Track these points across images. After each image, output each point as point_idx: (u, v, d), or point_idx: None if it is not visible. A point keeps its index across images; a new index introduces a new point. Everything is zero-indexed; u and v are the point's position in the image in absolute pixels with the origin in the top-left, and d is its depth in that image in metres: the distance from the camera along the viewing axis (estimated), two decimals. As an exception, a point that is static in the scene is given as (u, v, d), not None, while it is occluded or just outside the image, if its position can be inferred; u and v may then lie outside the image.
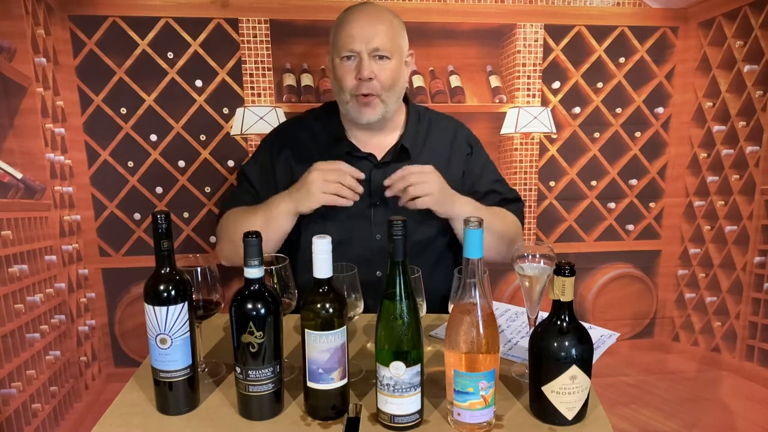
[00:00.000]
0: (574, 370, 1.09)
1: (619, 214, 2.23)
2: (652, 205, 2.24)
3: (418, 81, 2.08)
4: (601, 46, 2.09)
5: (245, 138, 2.05)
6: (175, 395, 1.16)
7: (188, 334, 1.13)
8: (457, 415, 1.09)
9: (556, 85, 2.11)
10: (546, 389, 1.10)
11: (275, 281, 1.27)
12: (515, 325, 1.49)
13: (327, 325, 1.09)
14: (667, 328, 2.33)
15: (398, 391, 1.07)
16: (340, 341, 1.10)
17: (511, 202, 1.72)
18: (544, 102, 2.12)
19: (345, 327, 1.11)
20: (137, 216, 2.07)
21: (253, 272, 1.10)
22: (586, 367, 1.10)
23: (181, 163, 2.05)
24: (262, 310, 1.10)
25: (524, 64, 2.08)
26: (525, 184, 2.16)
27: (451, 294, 1.29)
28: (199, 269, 1.25)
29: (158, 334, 1.11)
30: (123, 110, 1.99)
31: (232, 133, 2.05)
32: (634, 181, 2.21)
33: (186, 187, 2.07)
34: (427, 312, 1.34)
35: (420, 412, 1.11)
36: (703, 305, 2.30)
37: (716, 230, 2.24)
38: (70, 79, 1.95)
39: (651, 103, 2.15)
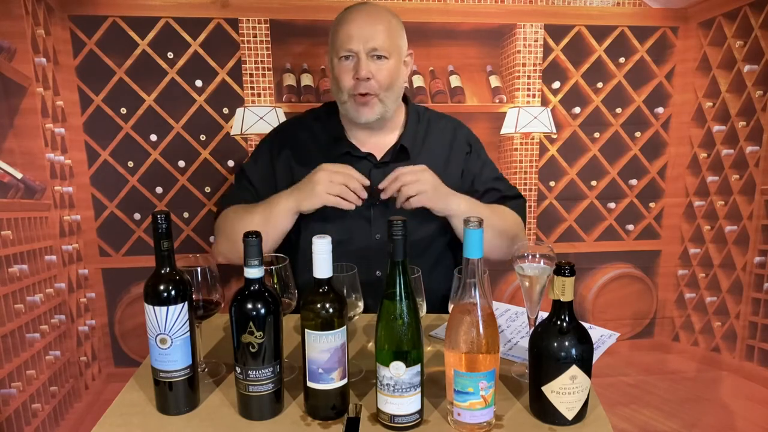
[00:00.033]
0: (574, 370, 1.09)
1: (619, 214, 2.23)
2: (652, 205, 2.24)
3: (418, 81, 2.08)
4: (601, 46, 2.09)
5: (245, 138, 2.05)
6: (175, 395, 1.16)
7: (188, 334, 1.14)
8: (457, 415, 1.09)
9: (556, 85, 2.11)
10: (546, 389, 1.10)
11: (275, 281, 1.27)
12: (515, 325, 1.49)
13: (327, 325, 1.09)
14: (667, 328, 2.33)
15: (398, 391, 1.07)
16: (340, 341, 1.10)
17: (512, 199, 1.71)
18: (544, 102, 2.12)
19: (345, 327, 1.11)
20: (137, 216, 2.07)
21: (253, 272, 1.10)
22: (586, 367, 1.10)
23: (181, 163, 2.05)
24: (262, 310, 1.10)
25: (524, 64, 2.08)
26: (525, 184, 2.16)
27: (451, 294, 1.29)
28: (199, 269, 1.25)
29: (158, 334, 1.11)
30: (123, 110, 1.99)
31: (232, 133, 2.05)
32: (634, 181, 2.21)
33: (186, 187, 2.07)
34: (427, 312, 1.34)
35: (420, 412, 1.11)
36: (703, 305, 2.30)
37: (716, 230, 2.24)
38: (70, 79, 1.95)
39: (651, 103, 2.15)
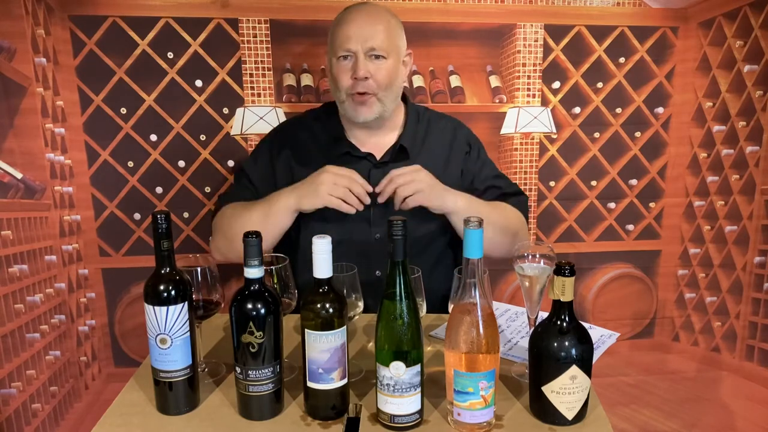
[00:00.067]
0: (574, 370, 1.09)
1: (619, 214, 2.23)
2: (652, 205, 2.24)
3: (418, 81, 2.08)
4: (601, 46, 2.09)
5: (245, 138, 2.05)
6: (175, 395, 1.16)
7: (188, 334, 1.14)
8: (457, 415, 1.09)
9: (556, 85, 2.11)
10: (546, 389, 1.10)
11: (275, 281, 1.27)
12: (515, 325, 1.49)
13: (327, 325, 1.09)
14: (667, 328, 2.33)
15: (398, 391, 1.07)
16: (340, 341, 1.10)
17: (512, 195, 1.70)
18: (544, 102, 2.12)
19: (345, 327, 1.11)
20: (137, 216, 2.07)
21: (253, 272, 1.10)
22: (586, 367, 1.10)
23: (181, 163, 2.05)
24: (262, 310, 1.10)
25: (524, 64, 2.08)
26: (525, 184, 2.16)
27: (451, 294, 1.29)
28: (199, 269, 1.25)
29: (158, 334, 1.11)
30: (123, 110, 1.99)
31: (232, 133, 2.05)
32: (634, 181, 2.21)
33: (186, 187, 2.07)
34: (427, 312, 1.34)
35: (420, 412, 1.11)
36: (703, 305, 2.30)
37: (716, 230, 2.24)
38: (70, 79, 1.95)
39: (651, 103, 2.15)
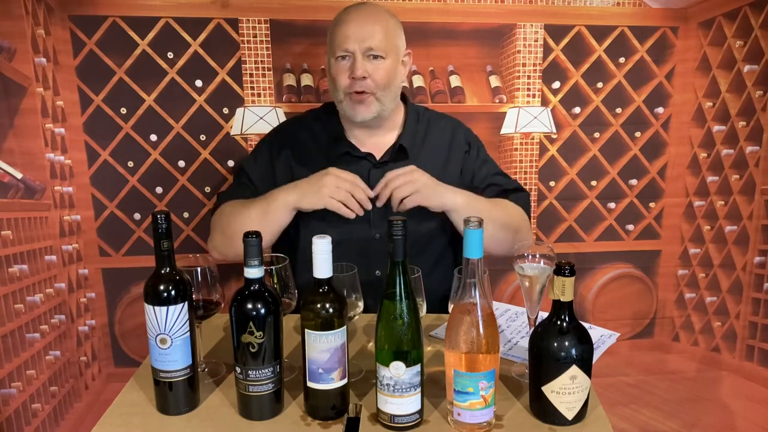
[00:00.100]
0: (574, 370, 1.09)
1: (619, 214, 2.23)
2: (652, 205, 2.24)
3: (418, 81, 2.08)
4: (601, 46, 2.09)
5: (245, 138, 2.05)
6: (175, 395, 1.16)
7: (188, 334, 1.14)
8: (457, 415, 1.09)
9: (556, 85, 2.11)
10: (546, 389, 1.10)
11: (275, 281, 1.27)
12: (515, 325, 1.49)
13: (327, 325, 1.09)
14: (667, 328, 2.33)
15: (398, 391, 1.07)
16: (340, 341, 1.10)
17: (513, 192, 1.70)
18: (544, 102, 2.12)
19: (345, 327, 1.11)
20: (137, 216, 2.07)
21: (253, 272, 1.10)
22: (586, 367, 1.10)
23: (181, 163, 2.05)
24: (262, 310, 1.10)
25: (524, 64, 2.08)
26: (525, 184, 2.15)
27: (451, 294, 1.29)
28: (199, 269, 1.25)
29: (158, 334, 1.11)
30: (123, 110, 1.99)
31: (232, 133, 2.05)
32: (634, 181, 2.21)
33: (186, 187, 2.07)
34: (427, 312, 1.34)
35: (420, 412, 1.11)
36: (703, 305, 2.30)
37: (716, 230, 2.24)
38: (70, 79, 1.95)
39: (651, 103, 2.15)
